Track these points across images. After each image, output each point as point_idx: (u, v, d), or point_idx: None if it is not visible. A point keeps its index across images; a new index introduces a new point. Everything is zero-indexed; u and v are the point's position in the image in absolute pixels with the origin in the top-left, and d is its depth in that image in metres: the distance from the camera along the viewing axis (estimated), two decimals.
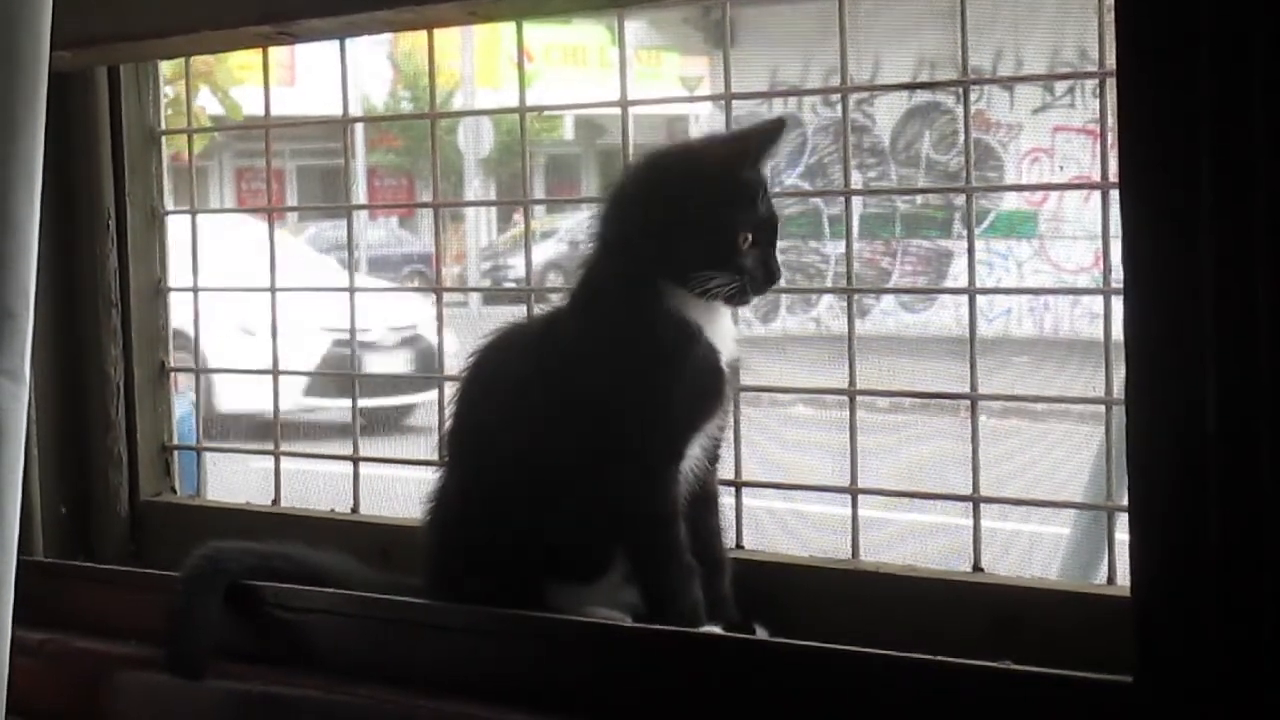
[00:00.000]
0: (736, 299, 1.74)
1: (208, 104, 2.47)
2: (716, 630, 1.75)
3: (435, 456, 2.13)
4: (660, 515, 1.74)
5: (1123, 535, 1.50)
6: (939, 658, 1.56)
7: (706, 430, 1.78)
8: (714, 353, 1.76)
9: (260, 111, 2.42)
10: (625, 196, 1.80)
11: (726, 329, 1.78)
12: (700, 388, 1.75)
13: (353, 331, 2.33)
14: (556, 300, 1.95)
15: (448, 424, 1.90)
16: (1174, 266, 1.36)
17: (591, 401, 1.75)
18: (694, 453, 1.78)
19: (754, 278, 1.73)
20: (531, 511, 1.77)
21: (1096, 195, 1.73)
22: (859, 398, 1.92)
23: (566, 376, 1.78)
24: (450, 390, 1.93)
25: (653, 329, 1.73)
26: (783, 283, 1.78)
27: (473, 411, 1.87)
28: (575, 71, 17.39)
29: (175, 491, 2.48)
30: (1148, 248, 1.38)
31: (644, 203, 1.77)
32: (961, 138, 2.00)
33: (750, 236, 1.73)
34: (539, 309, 2.05)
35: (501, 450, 1.82)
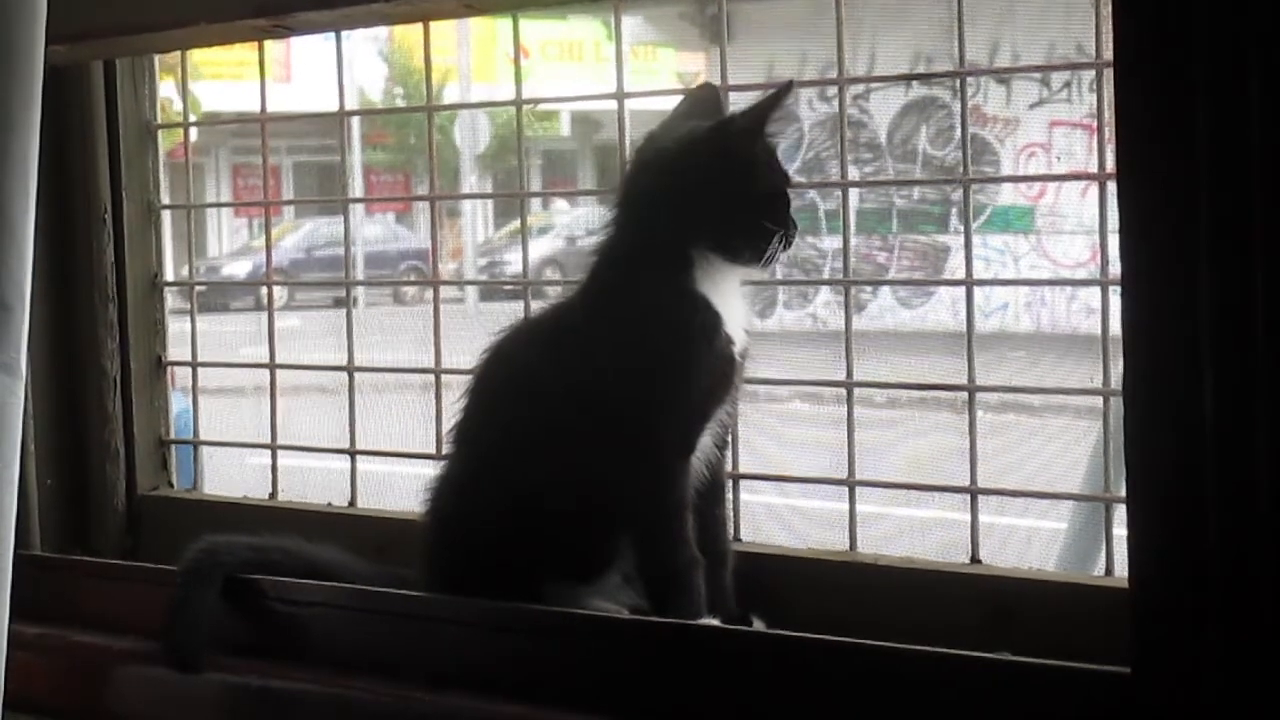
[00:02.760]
0: (774, 257, 1.75)
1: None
2: (714, 623, 1.75)
3: (432, 450, 2.13)
4: (672, 507, 1.74)
5: (1121, 528, 1.50)
6: (936, 649, 1.56)
7: (718, 418, 1.78)
8: (730, 343, 1.76)
9: (252, 108, 2.42)
10: (661, 173, 1.77)
11: (741, 319, 1.78)
12: (717, 377, 1.76)
13: (350, 327, 2.32)
14: (554, 295, 1.95)
15: (456, 416, 1.89)
16: (1171, 258, 1.36)
17: (606, 392, 1.74)
18: (705, 442, 1.77)
19: (789, 232, 1.76)
20: (535, 506, 1.76)
21: (1093, 191, 1.72)
22: (856, 393, 1.92)
23: (581, 367, 1.77)
24: (446, 384, 1.93)
25: (679, 314, 1.73)
26: (779, 274, 1.80)
27: (480, 403, 1.86)
28: (571, 67, 17.40)
29: (172, 485, 2.47)
30: (1145, 240, 1.38)
31: (685, 174, 1.75)
32: (958, 131, 2.00)
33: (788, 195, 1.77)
34: (536, 304, 2.05)
35: (507, 443, 1.81)
